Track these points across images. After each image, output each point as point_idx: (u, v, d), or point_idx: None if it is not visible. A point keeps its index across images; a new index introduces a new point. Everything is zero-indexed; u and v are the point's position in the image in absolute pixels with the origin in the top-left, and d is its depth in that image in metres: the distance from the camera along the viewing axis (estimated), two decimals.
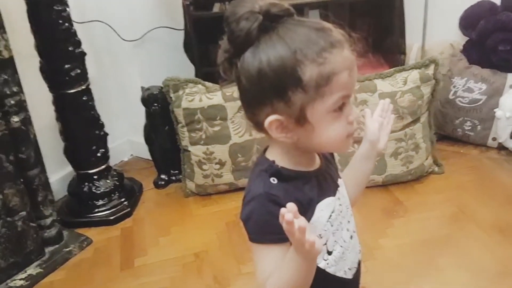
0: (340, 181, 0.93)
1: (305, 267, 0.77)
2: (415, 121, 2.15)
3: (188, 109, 2.15)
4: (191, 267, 1.87)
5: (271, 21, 0.77)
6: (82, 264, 1.94)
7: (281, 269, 0.79)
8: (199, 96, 2.15)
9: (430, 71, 2.13)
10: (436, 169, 2.26)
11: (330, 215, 0.86)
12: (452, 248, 1.82)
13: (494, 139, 2.36)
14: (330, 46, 0.76)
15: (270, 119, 0.79)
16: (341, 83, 0.77)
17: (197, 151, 2.20)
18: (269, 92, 0.77)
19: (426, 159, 2.21)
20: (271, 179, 0.82)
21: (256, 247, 0.82)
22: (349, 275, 0.91)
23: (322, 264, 0.86)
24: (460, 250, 1.81)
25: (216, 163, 2.19)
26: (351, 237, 0.92)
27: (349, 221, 0.92)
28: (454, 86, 2.41)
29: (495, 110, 2.25)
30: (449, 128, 2.46)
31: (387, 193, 2.13)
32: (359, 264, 0.95)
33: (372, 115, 1.02)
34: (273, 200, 0.79)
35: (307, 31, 0.77)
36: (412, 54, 2.55)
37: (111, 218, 2.16)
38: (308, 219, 0.81)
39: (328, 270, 0.87)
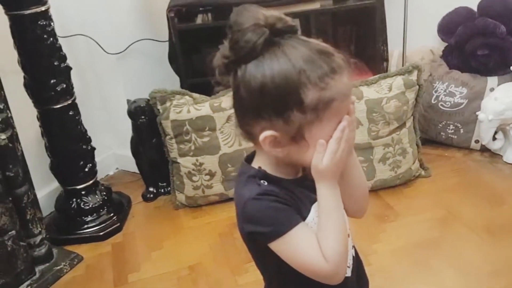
0: None
1: (336, 198, 0.81)
2: (401, 126, 2.19)
3: (176, 120, 2.14)
4: (186, 281, 1.85)
5: (275, 36, 0.77)
6: (74, 282, 1.91)
7: (323, 230, 0.80)
8: (187, 108, 2.14)
9: (414, 77, 2.17)
10: (423, 172, 2.30)
11: None
12: (443, 250, 1.85)
13: (477, 141, 2.41)
14: (332, 72, 0.77)
15: (266, 134, 0.79)
16: (339, 109, 0.78)
17: (186, 163, 2.19)
18: (269, 108, 0.78)
19: (413, 163, 2.24)
20: (261, 181, 0.83)
21: (283, 241, 0.80)
22: (348, 273, 0.92)
23: None
24: (451, 251, 1.84)
25: (206, 174, 2.19)
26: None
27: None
28: (436, 91, 2.46)
29: (477, 113, 2.29)
30: (433, 132, 2.50)
31: (377, 198, 2.16)
32: (353, 260, 0.95)
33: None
34: (271, 194, 0.80)
35: (311, 53, 0.77)
36: (393, 60, 2.60)
37: (101, 234, 2.12)
38: (304, 218, 0.83)
39: None
